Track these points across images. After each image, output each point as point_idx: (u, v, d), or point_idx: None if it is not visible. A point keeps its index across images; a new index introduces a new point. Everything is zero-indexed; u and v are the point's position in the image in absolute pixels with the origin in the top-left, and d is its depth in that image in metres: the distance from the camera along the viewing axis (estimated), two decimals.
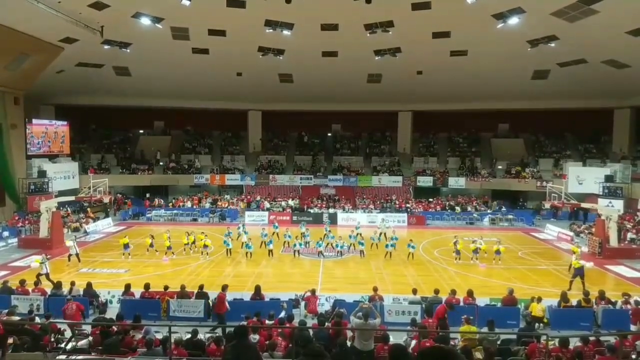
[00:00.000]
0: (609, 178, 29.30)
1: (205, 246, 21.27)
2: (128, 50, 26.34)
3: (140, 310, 12.56)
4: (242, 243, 21.38)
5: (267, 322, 10.53)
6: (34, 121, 29.93)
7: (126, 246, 20.84)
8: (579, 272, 16.72)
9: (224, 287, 13.19)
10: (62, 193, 29.02)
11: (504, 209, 32.77)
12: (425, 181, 35.42)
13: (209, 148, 40.01)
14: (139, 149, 39.31)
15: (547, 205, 27.29)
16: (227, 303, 12.77)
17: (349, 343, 8.18)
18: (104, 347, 7.91)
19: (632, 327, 12.21)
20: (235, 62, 29.31)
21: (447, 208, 33.31)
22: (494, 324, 10.00)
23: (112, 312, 12.64)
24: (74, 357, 7.55)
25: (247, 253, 20.90)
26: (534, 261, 21.47)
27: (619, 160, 32.02)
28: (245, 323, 9.99)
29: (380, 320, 9.83)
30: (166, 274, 18.59)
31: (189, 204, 33.64)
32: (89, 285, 14.31)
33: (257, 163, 37.66)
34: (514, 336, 10.09)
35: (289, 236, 22.65)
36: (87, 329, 10.07)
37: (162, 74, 30.63)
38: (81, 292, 14.07)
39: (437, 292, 13.72)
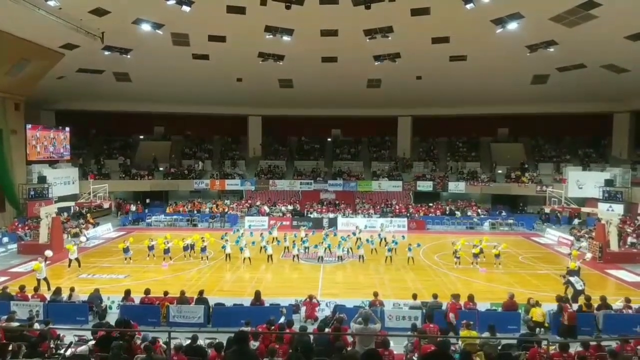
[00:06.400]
0: (609, 182, 29.30)
1: (203, 250, 21.25)
2: (128, 56, 26.41)
3: (140, 315, 12.56)
4: (240, 248, 21.34)
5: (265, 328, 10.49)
6: (34, 127, 29.98)
7: (126, 250, 20.86)
8: (574, 275, 16.60)
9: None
10: (62, 199, 29.03)
11: (503, 213, 32.75)
12: (425, 186, 35.41)
13: (209, 153, 40.04)
14: (140, 155, 39.36)
15: (547, 209, 27.33)
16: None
17: (349, 348, 8.14)
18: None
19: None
20: (235, 68, 29.38)
21: (447, 213, 33.29)
22: (495, 329, 9.97)
23: (110, 318, 12.56)
24: None
25: (244, 259, 20.80)
26: (535, 266, 21.44)
27: (618, 165, 32.03)
28: (245, 329, 9.95)
29: (381, 326, 9.79)
30: (166, 279, 18.54)
31: (181, 209, 33.67)
32: (97, 291, 14.25)
33: (257, 168, 37.67)
34: (515, 341, 10.06)
35: (286, 240, 22.65)
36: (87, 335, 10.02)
37: (163, 80, 30.71)
38: (80, 298, 14.05)
39: (435, 296, 13.71)
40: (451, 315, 12.18)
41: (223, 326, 12.59)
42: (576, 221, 30.03)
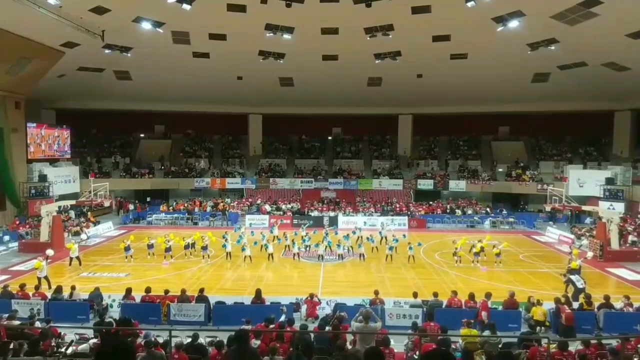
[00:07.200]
0: (609, 181, 29.27)
1: (204, 248, 21.25)
2: (129, 55, 26.40)
3: (141, 314, 12.58)
4: (242, 248, 21.32)
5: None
6: (35, 125, 29.99)
7: (127, 249, 20.88)
8: (574, 274, 16.60)
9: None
10: (62, 197, 29.04)
11: (504, 211, 32.74)
12: (425, 184, 35.41)
13: (210, 152, 40.04)
14: (141, 153, 39.37)
15: (547, 208, 27.30)
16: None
17: (349, 346, 8.15)
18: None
19: None
20: (235, 66, 29.37)
21: (447, 211, 33.28)
22: (495, 327, 9.97)
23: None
24: None
25: (245, 257, 20.82)
26: (535, 264, 21.42)
27: (619, 163, 32.00)
28: (246, 327, 9.96)
29: (381, 324, 9.80)
30: (167, 277, 18.57)
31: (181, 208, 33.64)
32: (97, 289, 14.27)
33: (258, 166, 37.67)
34: (516, 339, 10.06)
35: (287, 238, 22.65)
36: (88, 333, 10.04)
37: (163, 78, 30.71)
38: (81, 297, 14.06)
39: (435, 295, 13.71)
40: (483, 314, 12.21)
41: (224, 324, 12.61)
42: (588, 220, 30.06)
